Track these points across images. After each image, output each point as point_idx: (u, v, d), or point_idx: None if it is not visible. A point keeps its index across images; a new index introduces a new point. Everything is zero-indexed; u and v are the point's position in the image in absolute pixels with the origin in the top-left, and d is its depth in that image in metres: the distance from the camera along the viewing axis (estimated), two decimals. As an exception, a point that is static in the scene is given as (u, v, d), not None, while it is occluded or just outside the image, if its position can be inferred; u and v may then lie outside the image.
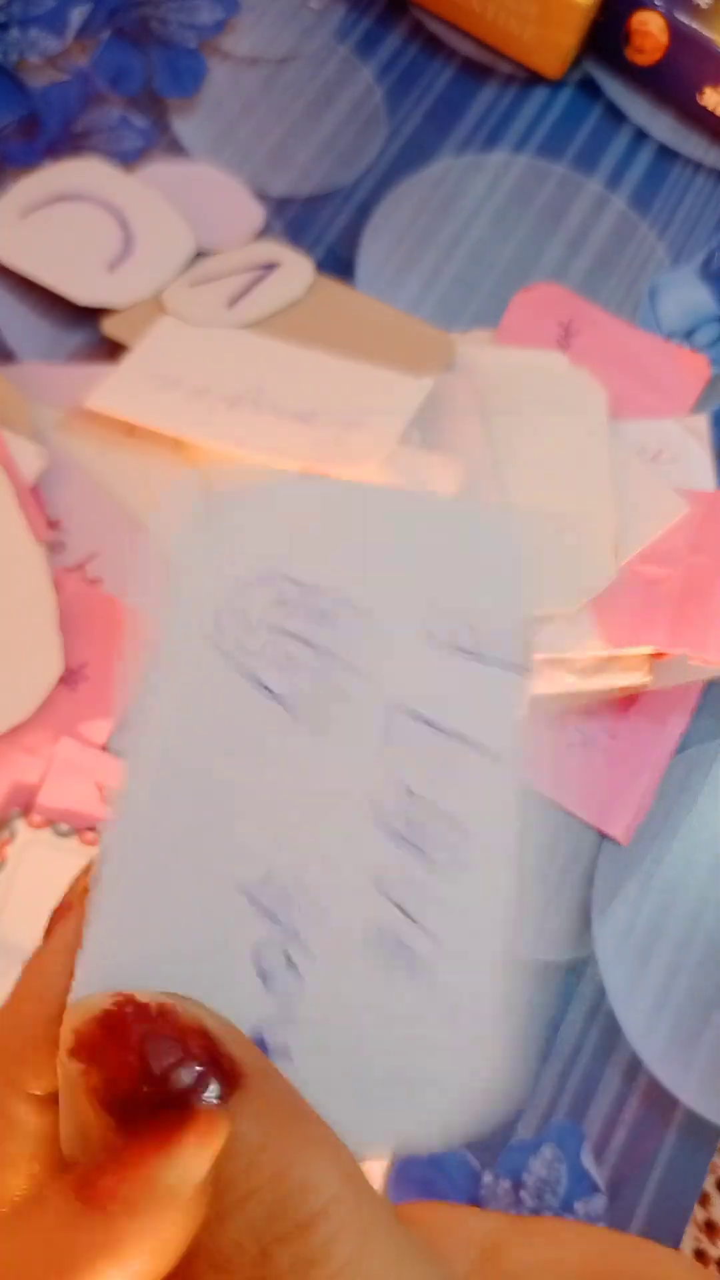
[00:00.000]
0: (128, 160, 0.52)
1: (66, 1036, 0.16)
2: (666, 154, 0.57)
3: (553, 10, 0.55)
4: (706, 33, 0.54)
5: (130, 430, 0.44)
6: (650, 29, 0.56)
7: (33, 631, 0.39)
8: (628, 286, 0.53)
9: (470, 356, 0.49)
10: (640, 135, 0.57)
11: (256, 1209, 0.15)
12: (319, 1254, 0.15)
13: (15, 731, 0.39)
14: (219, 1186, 0.15)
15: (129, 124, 0.53)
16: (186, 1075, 0.15)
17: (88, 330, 0.49)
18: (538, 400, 0.47)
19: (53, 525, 0.42)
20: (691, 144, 0.57)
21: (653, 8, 0.55)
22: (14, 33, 0.54)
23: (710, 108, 0.56)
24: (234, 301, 0.48)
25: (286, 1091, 0.16)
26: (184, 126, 0.54)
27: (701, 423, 0.49)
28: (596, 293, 0.53)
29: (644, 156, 0.57)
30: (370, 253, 0.52)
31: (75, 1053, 0.16)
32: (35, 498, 0.42)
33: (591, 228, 0.55)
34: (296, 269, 0.50)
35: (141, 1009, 0.16)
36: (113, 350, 0.48)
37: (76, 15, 0.55)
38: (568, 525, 0.45)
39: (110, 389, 0.44)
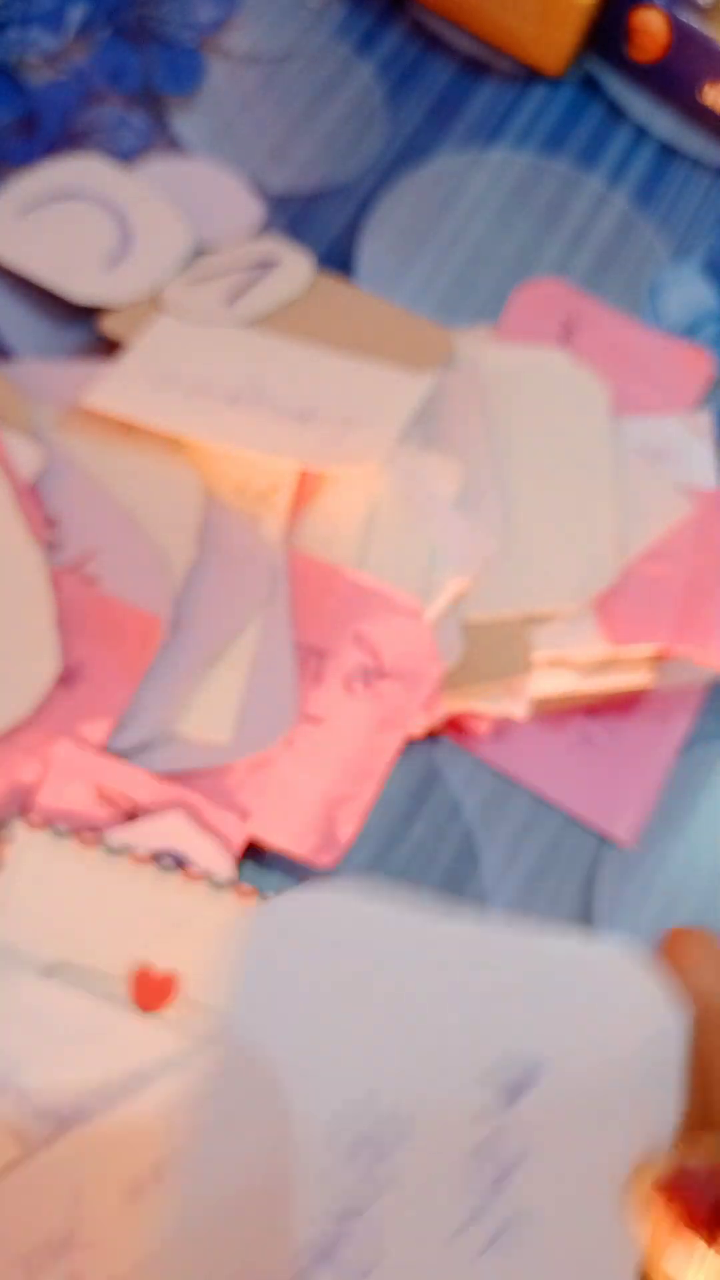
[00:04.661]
0: (127, 158, 0.52)
1: (654, 1182, 0.22)
2: (667, 151, 0.57)
3: (553, 7, 0.55)
4: (707, 30, 0.54)
5: (128, 429, 0.44)
6: (651, 27, 0.55)
7: (30, 631, 0.39)
8: (629, 284, 0.53)
9: (471, 353, 0.48)
10: (641, 133, 0.57)
11: None
12: None
13: (13, 732, 0.38)
14: None
15: (128, 122, 0.53)
16: None
17: (86, 328, 0.48)
18: (539, 397, 0.47)
19: (50, 524, 0.42)
20: (692, 141, 0.57)
21: (653, 5, 0.55)
22: (13, 32, 0.54)
23: (711, 105, 0.56)
24: (233, 299, 0.48)
25: None
26: (183, 124, 0.54)
27: (704, 420, 0.49)
28: (598, 290, 0.53)
29: (645, 154, 0.57)
30: (370, 250, 0.52)
31: (659, 1191, 0.22)
32: (33, 497, 0.42)
33: (592, 225, 0.54)
34: (296, 266, 0.50)
35: (697, 1173, 0.22)
36: (111, 348, 0.47)
37: (75, 14, 0.55)
38: (569, 523, 0.45)
39: (108, 387, 0.44)
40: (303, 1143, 0.22)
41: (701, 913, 0.43)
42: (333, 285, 0.50)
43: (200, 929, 0.38)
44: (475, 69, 0.57)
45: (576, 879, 0.43)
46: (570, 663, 0.44)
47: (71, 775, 0.39)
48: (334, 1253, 0.21)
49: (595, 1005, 0.23)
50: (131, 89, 0.54)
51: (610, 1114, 0.22)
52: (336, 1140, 0.21)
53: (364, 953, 0.23)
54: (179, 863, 0.38)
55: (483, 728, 0.43)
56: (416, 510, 0.43)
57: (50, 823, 0.38)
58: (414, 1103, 0.22)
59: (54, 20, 0.54)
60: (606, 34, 0.57)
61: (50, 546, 0.42)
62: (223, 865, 0.38)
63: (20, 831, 0.38)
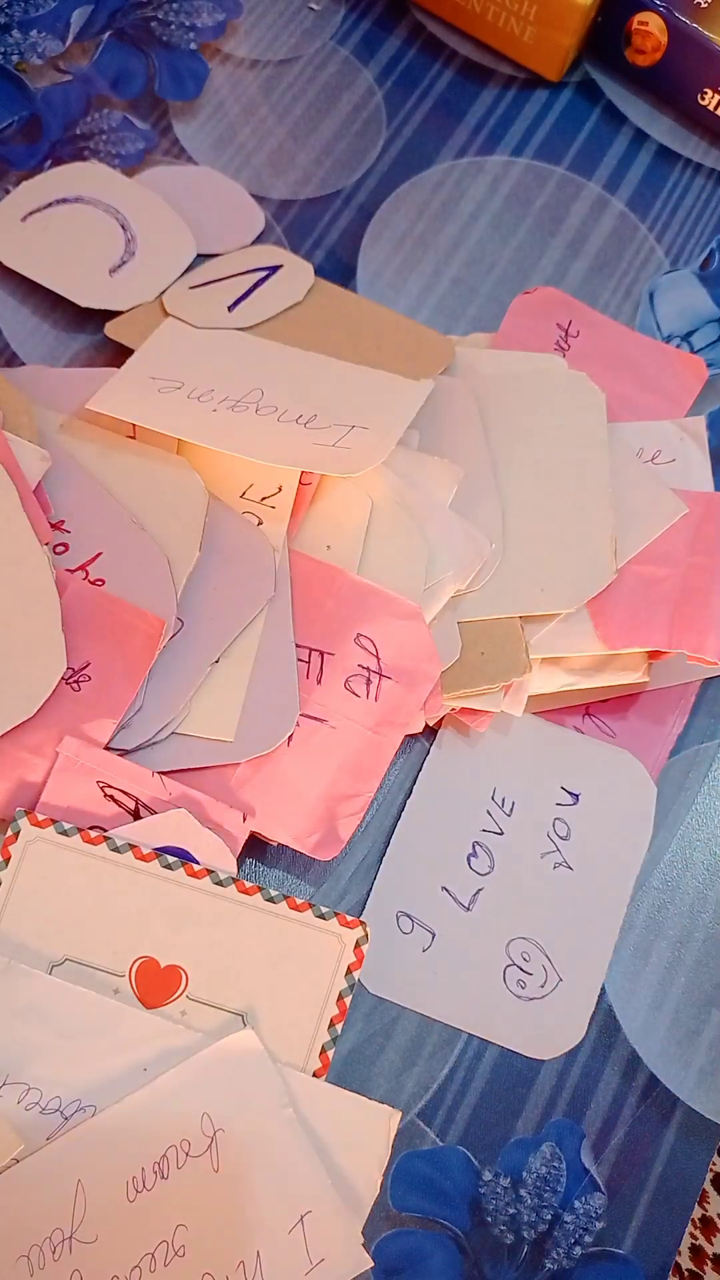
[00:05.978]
0: (129, 163, 0.52)
1: None
2: (666, 155, 0.57)
3: (552, 11, 0.55)
4: (707, 32, 0.55)
5: (133, 432, 0.45)
6: (650, 29, 0.56)
7: (36, 631, 0.40)
8: (627, 288, 0.54)
9: (470, 359, 0.49)
10: (640, 136, 0.57)
11: None
12: None
13: (19, 731, 0.39)
14: None
15: (131, 126, 0.53)
16: None
17: (90, 333, 0.49)
18: (537, 403, 0.47)
19: (56, 526, 0.42)
20: (691, 145, 0.58)
21: (653, 8, 0.55)
22: (15, 34, 0.54)
23: (710, 108, 0.57)
24: (234, 304, 0.49)
25: None
26: (185, 129, 0.54)
27: (699, 424, 0.50)
28: (596, 295, 0.53)
29: (643, 158, 0.57)
30: (370, 256, 0.53)
31: None
32: (39, 499, 0.42)
33: (591, 230, 0.55)
34: (297, 272, 0.50)
35: None
36: (115, 353, 0.48)
37: (77, 17, 0.55)
38: (566, 526, 0.45)
39: (113, 391, 0.45)
40: None
41: (695, 909, 0.43)
42: (333, 291, 0.50)
43: (203, 925, 0.38)
44: (475, 74, 0.58)
45: (573, 876, 0.44)
46: (566, 662, 0.44)
47: (76, 773, 0.39)
48: None
49: None
50: (133, 93, 0.54)
51: None
52: None
53: None
54: (183, 859, 0.38)
55: (481, 726, 0.44)
56: (416, 513, 0.44)
57: (55, 820, 0.38)
58: None
59: (56, 22, 0.55)
60: (606, 37, 0.57)
61: (56, 548, 0.42)
62: (226, 862, 0.39)
63: (25, 828, 0.38)
